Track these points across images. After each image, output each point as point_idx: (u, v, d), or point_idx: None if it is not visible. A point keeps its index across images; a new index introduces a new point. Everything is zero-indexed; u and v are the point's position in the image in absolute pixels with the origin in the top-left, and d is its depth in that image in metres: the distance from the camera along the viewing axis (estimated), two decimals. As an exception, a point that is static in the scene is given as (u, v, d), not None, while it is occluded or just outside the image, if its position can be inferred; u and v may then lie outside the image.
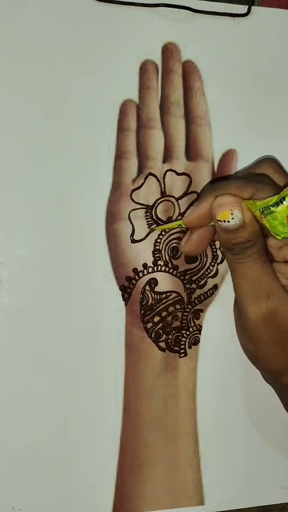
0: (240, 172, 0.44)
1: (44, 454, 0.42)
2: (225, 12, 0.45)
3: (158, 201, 0.44)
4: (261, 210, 0.36)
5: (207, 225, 0.40)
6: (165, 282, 0.45)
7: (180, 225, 0.41)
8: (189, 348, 0.45)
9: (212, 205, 0.38)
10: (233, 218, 0.37)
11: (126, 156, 0.44)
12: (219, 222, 0.38)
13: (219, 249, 0.46)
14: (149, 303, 0.44)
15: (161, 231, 0.44)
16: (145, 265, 0.44)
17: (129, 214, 0.44)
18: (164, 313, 0.44)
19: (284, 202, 0.35)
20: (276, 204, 0.35)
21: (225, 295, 0.46)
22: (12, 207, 0.42)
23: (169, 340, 0.45)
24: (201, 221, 0.40)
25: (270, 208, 0.36)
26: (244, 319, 0.40)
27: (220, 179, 0.45)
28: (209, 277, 0.45)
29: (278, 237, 0.36)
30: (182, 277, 0.45)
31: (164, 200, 0.44)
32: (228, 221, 0.37)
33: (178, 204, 0.45)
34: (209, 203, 0.38)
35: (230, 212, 0.37)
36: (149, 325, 0.44)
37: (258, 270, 0.38)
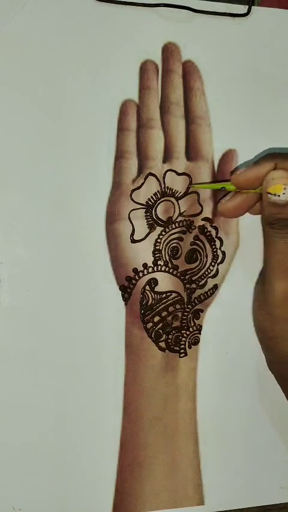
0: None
1: (44, 454, 0.42)
2: (225, 12, 0.45)
3: (158, 201, 0.44)
4: None
5: (253, 188, 0.40)
6: (165, 282, 0.45)
7: (224, 187, 0.41)
8: (189, 347, 0.45)
9: (266, 177, 0.38)
10: (284, 193, 0.37)
11: (126, 156, 0.44)
12: (269, 195, 0.37)
13: (220, 249, 0.46)
14: (149, 302, 0.44)
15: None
16: (145, 265, 0.44)
17: (129, 214, 0.44)
18: (164, 313, 0.44)
19: None
20: None
21: (225, 295, 0.46)
22: (12, 207, 0.42)
23: (169, 340, 0.45)
24: (251, 183, 0.39)
25: None
26: (269, 293, 0.40)
27: (221, 180, 0.45)
28: (209, 277, 0.45)
29: None
30: (182, 277, 0.45)
31: (164, 200, 0.44)
32: (279, 195, 0.37)
33: (178, 204, 0.45)
34: (265, 168, 0.38)
35: (283, 187, 0.37)
36: (149, 325, 0.44)
37: None
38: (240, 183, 0.40)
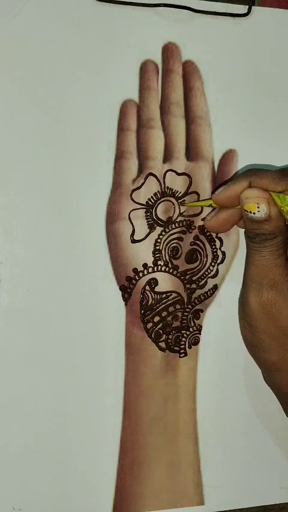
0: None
1: (44, 454, 0.42)
2: (225, 12, 0.45)
3: (158, 201, 0.44)
4: None
5: (235, 206, 0.41)
6: (166, 282, 0.45)
7: (211, 204, 0.42)
8: (189, 347, 0.45)
9: (240, 195, 0.39)
10: (259, 211, 0.38)
11: (126, 156, 0.44)
12: (246, 212, 0.39)
13: (220, 249, 0.46)
14: (149, 303, 0.44)
15: (187, 207, 0.44)
16: (145, 265, 0.44)
17: (129, 214, 0.44)
18: (164, 313, 0.44)
19: None
20: None
21: (225, 296, 0.46)
22: (13, 207, 0.42)
23: (169, 340, 0.45)
24: (231, 202, 0.41)
25: None
26: (245, 305, 0.41)
27: (221, 181, 0.46)
28: (209, 277, 0.45)
29: None
30: (182, 277, 0.45)
31: (164, 200, 0.44)
32: (254, 213, 0.38)
33: (178, 204, 0.45)
34: (241, 186, 0.40)
35: (256, 205, 0.38)
36: (149, 325, 0.44)
37: (271, 261, 0.39)
38: (220, 202, 0.41)
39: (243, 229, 0.46)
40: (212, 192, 0.44)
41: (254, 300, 0.40)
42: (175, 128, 0.45)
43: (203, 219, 0.45)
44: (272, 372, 0.42)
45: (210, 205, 0.43)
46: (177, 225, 0.45)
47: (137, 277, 0.44)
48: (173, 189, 0.45)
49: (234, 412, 0.46)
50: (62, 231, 0.42)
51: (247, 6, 0.45)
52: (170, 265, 0.45)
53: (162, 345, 0.44)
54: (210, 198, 0.44)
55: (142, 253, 0.44)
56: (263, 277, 0.40)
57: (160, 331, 0.44)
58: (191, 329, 0.45)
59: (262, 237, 0.39)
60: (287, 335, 0.40)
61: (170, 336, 0.45)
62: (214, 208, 0.43)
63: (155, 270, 0.44)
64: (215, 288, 0.46)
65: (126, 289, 0.44)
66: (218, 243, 0.46)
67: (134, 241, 0.44)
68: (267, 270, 0.40)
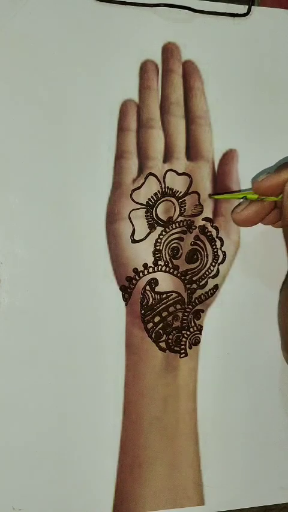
0: None
1: (44, 454, 0.42)
2: (225, 12, 0.45)
3: (159, 201, 0.44)
4: None
5: (275, 195, 0.40)
6: (166, 282, 0.45)
7: (245, 196, 0.41)
8: (190, 348, 0.45)
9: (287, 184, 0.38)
10: None
11: (126, 156, 0.44)
12: None
13: (220, 249, 0.46)
14: (150, 303, 0.44)
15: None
16: (145, 265, 0.44)
17: (129, 214, 0.44)
18: (164, 313, 0.44)
19: None
20: None
21: (226, 296, 0.46)
22: (13, 207, 0.42)
23: (169, 340, 0.45)
24: (272, 190, 0.40)
25: None
26: None
27: (221, 181, 0.45)
28: (210, 277, 0.45)
29: None
30: (182, 277, 0.45)
31: (165, 200, 0.44)
32: None
33: (178, 204, 0.45)
34: (286, 175, 0.39)
35: None
36: (150, 325, 0.44)
37: None
38: (263, 190, 0.40)
39: (243, 229, 0.46)
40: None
41: None
42: (175, 127, 0.45)
43: (203, 219, 0.45)
44: None
45: (244, 197, 0.42)
46: (177, 225, 0.45)
47: (137, 277, 0.44)
48: (173, 189, 0.45)
49: (234, 412, 0.46)
50: (62, 231, 0.42)
51: (247, 6, 0.46)
52: (170, 265, 0.45)
53: (163, 345, 0.44)
54: (239, 191, 0.43)
55: (142, 253, 0.44)
56: None
57: (160, 331, 0.44)
58: (191, 329, 0.45)
59: None
60: None
61: (171, 336, 0.45)
62: (244, 200, 0.42)
63: (156, 270, 0.44)
64: (216, 288, 0.46)
65: (126, 289, 0.44)
66: (218, 243, 0.46)
67: (134, 241, 0.44)
68: None
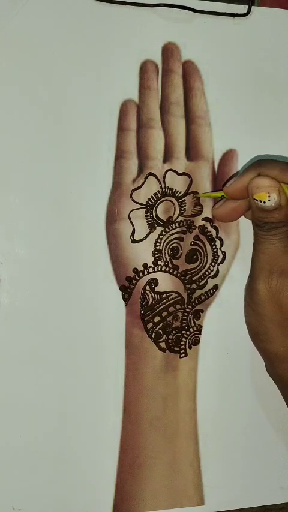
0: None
1: (44, 454, 0.42)
2: (225, 12, 0.45)
3: (159, 201, 0.44)
4: None
5: (245, 198, 0.40)
6: (166, 282, 0.45)
7: (223, 195, 0.41)
8: (190, 348, 0.45)
9: (250, 184, 0.39)
10: (269, 200, 0.38)
11: (126, 156, 0.44)
12: (256, 201, 0.38)
13: (220, 249, 0.46)
14: (149, 303, 0.44)
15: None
16: (145, 265, 0.44)
17: (129, 214, 0.44)
18: (164, 313, 0.44)
19: None
20: None
21: (226, 296, 0.46)
22: (13, 207, 0.42)
23: (169, 340, 0.45)
24: (241, 193, 0.40)
25: None
26: (254, 292, 0.40)
27: (221, 181, 0.45)
28: (210, 277, 0.45)
29: None
30: (182, 277, 0.45)
31: (165, 200, 0.44)
32: (265, 202, 0.38)
33: (178, 204, 0.45)
34: (250, 177, 0.39)
35: (267, 194, 0.38)
36: (149, 325, 0.44)
37: (280, 248, 0.39)
38: (231, 194, 0.41)
39: (247, 225, 0.45)
40: (223, 185, 0.44)
41: (263, 287, 0.40)
42: (175, 127, 0.45)
43: (203, 219, 0.45)
44: (275, 362, 0.42)
45: (222, 197, 0.42)
46: (177, 225, 0.45)
47: (137, 277, 0.44)
48: (173, 189, 0.45)
49: (234, 412, 0.46)
50: (62, 231, 0.42)
51: (247, 6, 0.45)
52: (170, 265, 0.45)
53: (163, 345, 0.44)
54: (221, 190, 0.44)
55: (142, 253, 0.44)
56: (272, 264, 0.39)
57: (160, 331, 0.44)
58: (191, 329, 0.45)
59: (271, 225, 0.39)
60: None
61: (170, 336, 0.45)
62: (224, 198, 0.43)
63: (155, 270, 0.44)
64: (216, 288, 0.46)
65: (126, 289, 0.44)
66: (218, 243, 0.46)
67: (134, 241, 0.44)
68: (277, 257, 0.39)
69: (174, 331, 0.45)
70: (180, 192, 0.45)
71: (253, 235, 0.41)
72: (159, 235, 0.44)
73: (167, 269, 0.45)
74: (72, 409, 0.43)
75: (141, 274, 0.44)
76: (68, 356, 0.42)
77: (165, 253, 0.44)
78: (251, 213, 0.40)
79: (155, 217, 0.44)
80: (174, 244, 0.45)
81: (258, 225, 0.40)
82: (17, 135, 0.42)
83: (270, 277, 0.39)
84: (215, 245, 0.45)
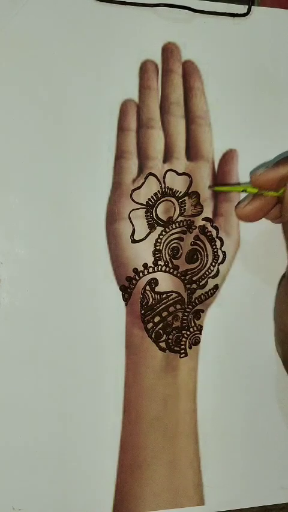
0: None
1: (44, 454, 0.42)
2: (225, 12, 0.45)
3: (159, 201, 0.44)
4: None
5: (274, 190, 0.40)
6: (166, 282, 0.45)
7: (245, 190, 0.41)
8: (190, 348, 0.45)
9: None
10: None
11: (126, 156, 0.44)
12: None
13: (220, 249, 0.45)
14: (150, 303, 0.44)
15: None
16: (145, 265, 0.44)
17: (129, 214, 0.44)
18: (164, 313, 0.44)
19: None
20: None
21: (226, 296, 0.46)
22: (13, 207, 0.42)
23: (169, 340, 0.45)
24: (271, 185, 0.39)
25: None
26: None
27: (221, 181, 0.45)
28: (210, 277, 0.45)
29: None
30: (182, 277, 0.45)
31: (165, 200, 0.44)
32: None
33: (178, 204, 0.45)
34: (286, 169, 0.38)
35: None
36: (150, 325, 0.44)
37: None
38: (261, 184, 0.40)
39: (248, 225, 0.45)
40: (250, 175, 0.43)
41: None
42: (175, 127, 0.45)
43: (203, 219, 0.45)
44: None
45: (244, 191, 0.41)
46: (177, 225, 0.45)
47: (137, 277, 0.44)
48: (173, 189, 0.45)
49: (234, 412, 0.46)
50: (62, 231, 0.42)
51: (247, 6, 0.46)
52: (170, 265, 0.45)
53: (163, 345, 0.44)
54: (239, 184, 0.43)
55: (142, 253, 0.44)
56: None
57: (160, 331, 0.44)
58: (191, 329, 0.45)
59: None
60: None
61: (171, 336, 0.45)
62: (246, 195, 0.42)
63: (155, 270, 0.44)
64: (216, 288, 0.46)
65: (126, 289, 0.44)
66: (218, 243, 0.46)
67: (134, 241, 0.44)
68: None
69: (174, 331, 0.45)
70: (181, 192, 0.45)
71: (286, 238, 0.40)
72: (159, 235, 0.44)
73: (167, 269, 0.45)
74: (72, 409, 0.43)
75: (141, 274, 0.44)
76: (68, 356, 0.42)
77: (165, 253, 0.44)
78: (285, 212, 0.39)
79: (155, 217, 0.44)
80: (174, 244, 0.45)
81: None
82: (17, 135, 0.42)
83: None
84: (215, 245, 0.45)
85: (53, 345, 0.42)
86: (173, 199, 0.45)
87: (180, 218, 0.45)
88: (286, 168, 0.38)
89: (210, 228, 0.45)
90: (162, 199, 0.44)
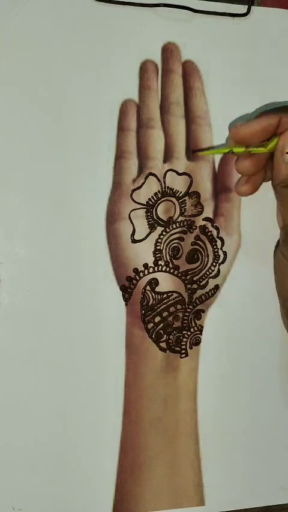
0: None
1: (44, 454, 0.42)
2: (224, 12, 0.45)
3: (159, 201, 0.44)
4: None
5: (256, 142, 0.38)
6: (166, 282, 0.45)
7: (231, 150, 0.39)
8: (190, 348, 0.45)
9: (282, 136, 0.37)
10: None
11: (126, 156, 0.44)
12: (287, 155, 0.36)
13: (221, 249, 0.45)
14: (150, 303, 0.44)
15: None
16: (146, 265, 0.44)
17: (129, 214, 0.44)
18: (164, 314, 0.44)
19: None
20: None
21: (227, 296, 0.46)
22: (13, 207, 0.42)
23: (170, 341, 0.44)
24: (254, 137, 0.38)
25: None
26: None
27: (222, 181, 0.45)
28: (210, 277, 0.45)
29: None
30: (183, 278, 0.45)
31: (165, 200, 0.44)
32: None
33: (179, 204, 0.45)
34: (269, 121, 0.37)
35: None
36: (150, 325, 0.44)
37: None
38: (242, 137, 0.38)
39: (248, 225, 0.45)
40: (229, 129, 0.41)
41: None
42: (175, 127, 0.45)
43: (204, 219, 0.45)
44: None
45: (230, 152, 0.39)
46: (178, 225, 0.45)
47: (137, 277, 0.44)
48: (173, 189, 0.45)
49: (235, 412, 0.46)
50: (62, 231, 0.42)
51: (247, 6, 0.46)
52: (170, 265, 0.45)
53: (163, 345, 0.44)
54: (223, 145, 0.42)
55: (143, 253, 0.44)
56: None
57: (161, 331, 0.44)
58: (192, 329, 0.45)
59: None
60: None
61: (171, 336, 0.45)
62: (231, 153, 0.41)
63: (156, 270, 0.44)
64: (216, 288, 0.45)
65: (126, 289, 0.44)
66: (219, 243, 0.45)
67: (134, 241, 0.44)
68: None
69: (174, 332, 0.45)
70: (181, 192, 0.45)
71: (278, 198, 0.39)
72: (159, 235, 0.44)
73: (168, 269, 0.45)
74: (72, 409, 0.43)
75: (141, 274, 0.44)
76: (68, 356, 0.42)
77: (165, 253, 0.44)
78: (276, 171, 0.38)
79: (155, 217, 0.44)
80: (174, 244, 0.45)
81: (286, 182, 0.37)
82: (17, 135, 0.42)
83: None
84: (216, 245, 0.45)
85: (53, 345, 0.42)
86: (174, 199, 0.45)
87: (180, 218, 0.45)
88: (269, 120, 0.37)
89: (210, 228, 0.45)
90: (162, 199, 0.44)
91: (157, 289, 0.44)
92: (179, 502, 0.44)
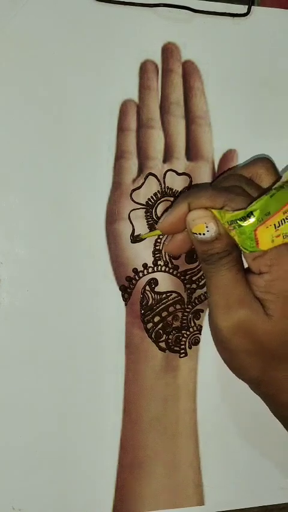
0: (236, 169, 0.43)
1: (44, 454, 0.42)
2: (225, 12, 0.45)
3: (158, 201, 0.44)
4: (229, 222, 0.36)
5: (182, 231, 0.40)
6: (166, 282, 0.45)
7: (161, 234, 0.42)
8: (190, 348, 0.45)
9: (186, 219, 0.38)
10: (208, 231, 0.37)
11: (126, 156, 0.44)
12: (195, 235, 0.38)
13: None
14: (149, 303, 0.44)
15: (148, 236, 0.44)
16: (145, 265, 0.44)
17: (129, 214, 0.44)
18: (164, 313, 0.44)
19: (251, 217, 0.35)
20: (243, 218, 0.35)
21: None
22: (13, 207, 0.42)
23: (169, 340, 0.45)
24: (175, 228, 0.40)
25: (237, 222, 0.35)
26: (217, 331, 0.39)
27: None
28: (210, 277, 0.45)
29: (246, 251, 0.36)
30: (182, 277, 0.45)
31: (164, 200, 0.44)
32: (204, 234, 0.37)
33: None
34: (181, 210, 0.38)
35: (205, 225, 0.37)
36: (149, 325, 0.44)
37: (231, 279, 0.38)
38: (166, 230, 0.40)
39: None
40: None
41: (225, 324, 0.38)
42: (175, 127, 0.45)
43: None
44: (258, 385, 0.41)
45: (161, 235, 0.42)
46: (177, 225, 0.45)
47: (137, 277, 0.44)
48: (173, 189, 0.45)
49: (234, 412, 0.46)
50: (62, 231, 0.42)
51: (247, 6, 0.45)
52: (170, 265, 0.45)
53: (163, 345, 0.44)
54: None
55: (142, 253, 0.44)
56: (228, 297, 0.37)
57: (160, 331, 0.44)
58: (191, 329, 0.45)
59: (217, 256, 0.37)
60: (265, 348, 0.38)
61: (170, 336, 0.45)
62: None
63: (155, 270, 0.44)
64: (216, 288, 0.46)
65: (126, 289, 0.44)
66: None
67: (134, 241, 0.44)
68: (231, 289, 0.37)
69: (174, 331, 0.45)
70: (181, 192, 0.45)
71: (203, 272, 0.40)
72: (159, 235, 0.44)
73: (167, 269, 0.45)
74: (72, 408, 0.43)
75: (141, 274, 0.44)
76: (68, 356, 0.43)
77: (165, 253, 0.44)
78: (196, 249, 0.39)
79: (155, 217, 0.44)
80: (174, 244, 0.45)
81: (205, 259, 0.38)
82: (17, 135, 0.42)
83: (229, 312, 0.38)
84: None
85: (52, 344, 0.42)
86: (173, 199, 0.45)
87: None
88: (181, 210, 0.38)
89: (210, 228, 0.45)
90: (162, 199, 0.44)
91: (156, 289, 0.44)
92: (178, 502, 0.44)
